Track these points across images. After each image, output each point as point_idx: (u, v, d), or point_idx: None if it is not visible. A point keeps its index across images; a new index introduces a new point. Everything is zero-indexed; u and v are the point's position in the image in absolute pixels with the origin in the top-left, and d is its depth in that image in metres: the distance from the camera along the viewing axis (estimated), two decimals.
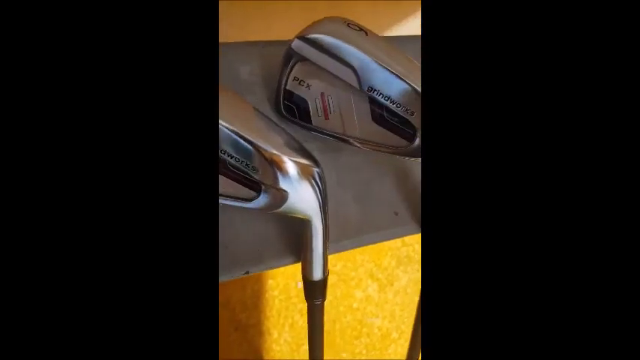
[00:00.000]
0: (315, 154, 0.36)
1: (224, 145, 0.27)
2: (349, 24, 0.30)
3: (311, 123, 0.34)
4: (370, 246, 0.37)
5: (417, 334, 0.45)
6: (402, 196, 0.38)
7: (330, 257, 0.35)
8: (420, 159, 0.32)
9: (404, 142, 0.32)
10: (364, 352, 1.14)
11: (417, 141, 0.31)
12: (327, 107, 0.33)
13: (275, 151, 0.28)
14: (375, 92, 0.30)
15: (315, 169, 0.29)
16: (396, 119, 0.32)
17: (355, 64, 0.30)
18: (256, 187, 0.29)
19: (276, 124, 0.30)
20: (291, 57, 0.32)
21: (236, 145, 0.27)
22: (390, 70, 0.29)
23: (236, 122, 0.27)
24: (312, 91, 0.33)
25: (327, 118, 0.33)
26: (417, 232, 0.38)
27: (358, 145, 0.33)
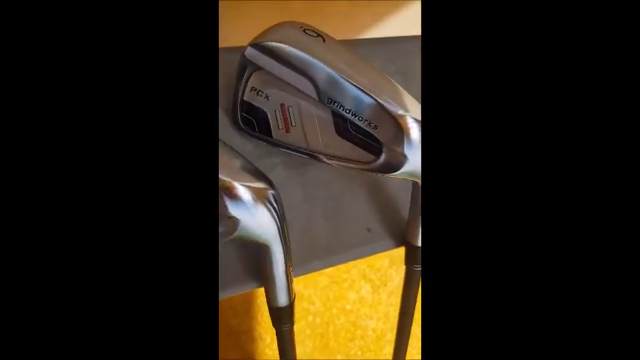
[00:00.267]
0: (279, 169, 0.33)
1: None
2: (305, 29, 0.28)
3: (272, 136, 0.31)
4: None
5: (403, 334, 0.43)
6: (374, 211, 0.36)
7: None
8: (390, 174, 0.30)
9: (371, 157, 0.30)
10: (359, 354, 1.13)
11: (384, 156, 0.29)
12: (288, 119, 0.30)
13: (224, 178, 0.25)
14: (336, 104, 0.28)
15: (270, 192, 0.27)
16: (360, 132, 0.29)
17: (312, 73, 0.27)
18: None
19: (225, 144, 0.28)
20: (245, 66, 0.29)
21: None
22: (349, 81, 0.27)
23: None
24: (271, 102, 0.30)
25: (288, 131, 0.31)
26: (391, 248, 0.36)
27: (324, 160, 0.31)
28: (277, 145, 0.31)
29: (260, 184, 0.26)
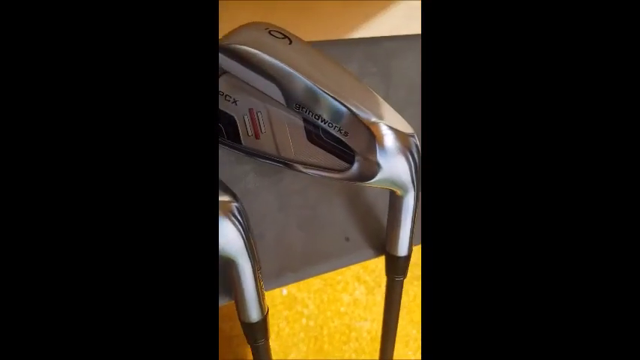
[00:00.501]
0: (251, 176, 0.32)
1: None
2: (271, 31, 0.26)
3: (241, 143, 0.30)
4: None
5: (389, 334, 0.41)
6: (353, 220, 0.34)
7: None
8: (365, 183, 0.28)
9: (344, 165, 0.28)
10: (354, 356, 1.12)
11: (357, 164, 0.27)
12: (258, 125, 0.29)
13: None
14: (304, 110, 0.26)
15: (234, 204, 0.25)
16: (332, 139, 0.27)
17: (277, 78, 0.25)
18: None
19: None
20: None
21: None
22: (316, 86, 0.25)
23: None
24: (240, 107, 0.29)
25: (258, 137, 0.29)
26: (370, 258, 0.34)
27: (297, 168, 0.29)
28: (247, 152, 0.30)
29: (223, 197, 0.25)
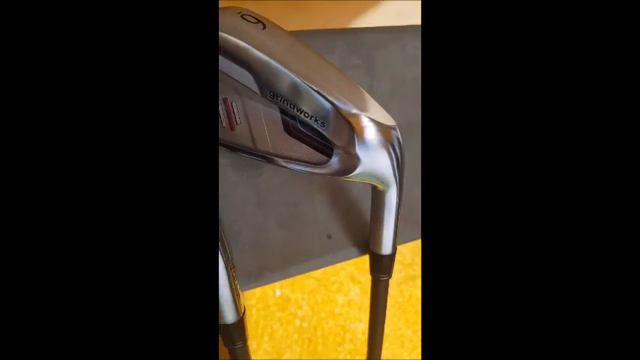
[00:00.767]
0: (229, 171, 0.30)
1: None
2: (244, 15, 0.25)
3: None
4: None
5: (376, 335, 0.40)
6: (335, 217, 0.33)
7: None
8: (344, 177, 0.27)
9: (323, 158, 0.27)
10: (348, 357, 1.11)
11: (335, 157, 0.26)
12: (233, 116, 0.27)
13: None
14: (279, 99, 0.25)
15: None
16: (310, 131, 0.26)
17: (251, 64, 0.24)
18: None
19: None
20: None
21: None
22: (290, 73, 0.24)
23: None
24: None
25: (233, 129, 0.28)
26: (354, 257, 0.33)
27: (274, 161, 0.28)
28: (222, 144, 0.28)
29: None
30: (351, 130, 0.25)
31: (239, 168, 0.31)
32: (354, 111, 0.25)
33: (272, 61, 0.24)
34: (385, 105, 0.27)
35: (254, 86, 0.25)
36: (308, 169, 0.27)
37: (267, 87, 0.24)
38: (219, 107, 0.27)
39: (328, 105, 0.24)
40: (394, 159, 0.27)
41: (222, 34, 0.24)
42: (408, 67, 0.36)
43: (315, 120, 0.25)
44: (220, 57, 0.25)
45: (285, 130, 0.27)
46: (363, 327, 1.10)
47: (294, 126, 0.26)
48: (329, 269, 1.09)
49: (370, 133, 0.25)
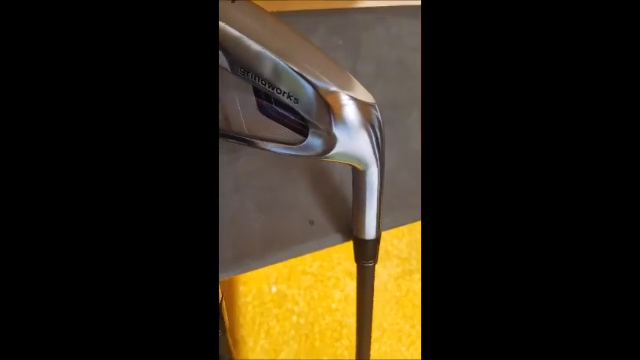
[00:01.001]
0: None
1: None
2: None
3: None
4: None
5: (363, 326, 0.39)
6: (317, 202, 0.32)
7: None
8: (322, 157, 0.26)
9: (299, 138, 0.25)
10: (346, 353, 1.10)
11: (311, 137, 0.25)
12: None
13: None
14: (250, 75, 0.23)
15: None
16: (285, 109, 0.25)
17: (219, 38, 0.23)
18: None
19: None
20: None
21: None
22: (261, 46, 0.22)
23: None
24: None
25: None
26: (337, 243, 0.32)
27: (253, 142, 0.27)
28: None
29: None
30: (327, 108, 0.24)
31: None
32: (332, 88, 0.24)
33: (238, 33, 0.23)
34: (369, 87, 0.26)
35: (224, 62, 0.24)
36: (284, 150, 0.26)
37: (236, 61, 0.23)
38: None
39: (299, 78, 0.23)
40: (374, 138, 0.26)
41: None
42: (392, 48, 0.35)
43: (289, 96, 0.24)
44: None
45: (259, 109, 0.26)
46: None
47: (269, 105, 0.25)
48: (325, 265, 1.08)
49: (346, 110, 0.24)
